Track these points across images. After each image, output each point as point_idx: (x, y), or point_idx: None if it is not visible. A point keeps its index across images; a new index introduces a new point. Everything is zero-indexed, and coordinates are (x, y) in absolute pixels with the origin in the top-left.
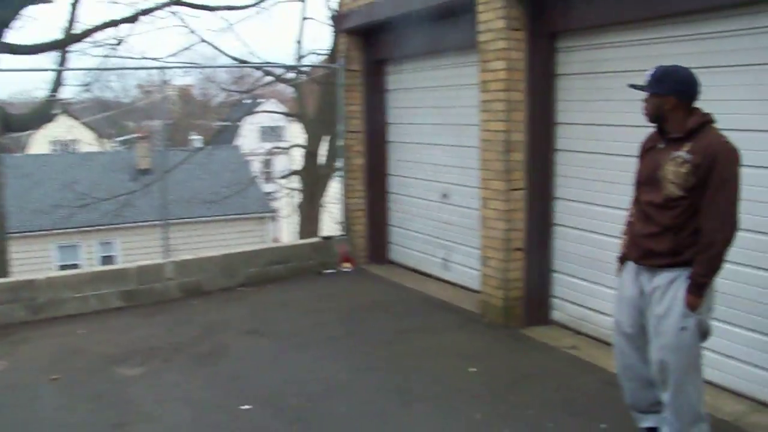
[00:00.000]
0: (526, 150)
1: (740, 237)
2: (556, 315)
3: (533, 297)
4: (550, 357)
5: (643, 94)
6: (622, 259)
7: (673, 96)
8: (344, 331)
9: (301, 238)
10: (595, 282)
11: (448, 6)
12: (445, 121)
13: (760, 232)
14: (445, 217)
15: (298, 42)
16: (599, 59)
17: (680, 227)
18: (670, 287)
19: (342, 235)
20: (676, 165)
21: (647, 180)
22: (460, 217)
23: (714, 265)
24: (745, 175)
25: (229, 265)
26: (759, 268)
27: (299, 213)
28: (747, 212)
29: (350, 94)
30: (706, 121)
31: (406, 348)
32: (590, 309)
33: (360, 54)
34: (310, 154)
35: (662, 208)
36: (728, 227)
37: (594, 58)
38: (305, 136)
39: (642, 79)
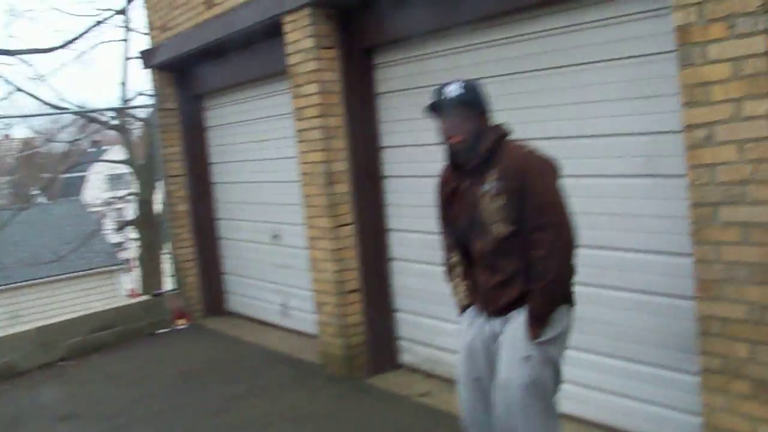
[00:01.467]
0: (350, 180)
1: (580, 254)
2: (406, 358)
3: (377, 342)
4: (399, 410)
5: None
6: (465, 307)
7: (486, 114)
8: (170, 404)
9: (145, 292)
10: (441, 318)
11: (255, 30)
12: (266, 156)
13: (600, 247)
14: (279, 260)
15: (122, 83)
16: (419, 72)
17: (526, 268)
18: (517, 318)
19: (174, 290)
20: (491, 201)
21: (469, 226)
22: (293, 258)
23: (552, 294)
24: (577, 186)
25: (47, 338)
26: (604, 287)
27: (140, 266)
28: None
29: (167, 135)
30: (502, 134)
31: (237, 417)
32: (440, 349)
33: (174, 90)
34: (144, 202)
35: (499, 253)
36: (562, 250)
37: (414, 72)
38: (137, 183)
39: (436, 98)
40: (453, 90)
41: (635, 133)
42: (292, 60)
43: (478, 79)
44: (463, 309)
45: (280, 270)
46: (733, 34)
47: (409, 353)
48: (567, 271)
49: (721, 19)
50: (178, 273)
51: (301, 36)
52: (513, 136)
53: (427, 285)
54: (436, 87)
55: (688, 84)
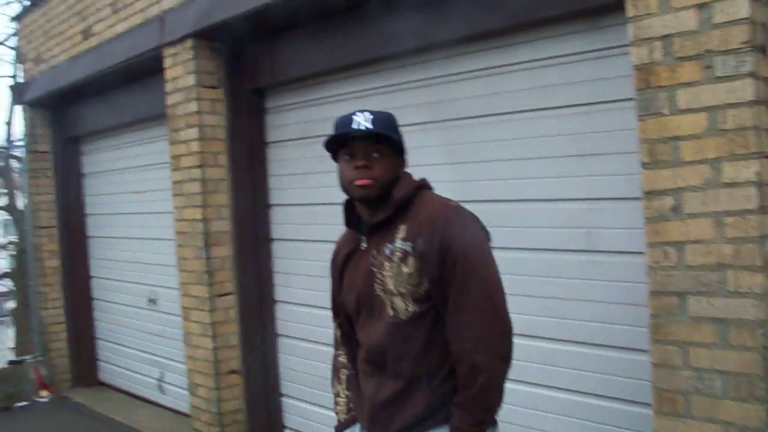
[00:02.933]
0: (232, 243)
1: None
2: None
3: None
4: None
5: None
6: (344, 426)
7: (403, 154)
8: None
9: (19, 353)
10: (330, 408)
11: (135, 64)
12: (144, 210)
13: (527, 335)
14: (156, 328)
15: (8, 123)
16: (317, 119)
17: (437, 366)
18: None
19: (37, 357)
20: (393, 268)
21: (359, 305)
22: (171, 327)
23: (489, 401)
24: (498, 261)
25: None
26: (531, 384)
27: (14, 323)
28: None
29: (38, 180)
30: (422, 184)
31: None
32: None
33: (48, 131)
34: (22, 251)
35: (398, 346)
36: (497, 340)
37: (310, 119)
38: (17, 231)
39: (342, 128)
40: (366, 119)
41: (574, 199)
42: (170, 100)
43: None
44: (342, 428)
45: (156, 339)
46: (711, 76)
47: None
48: (503, 371)
49: (695, 58)
50: (44, 337)
51: (182, 72)
52: (432, 189)
53: (318, 368)
54: (341, 117)
55: (650, 139)
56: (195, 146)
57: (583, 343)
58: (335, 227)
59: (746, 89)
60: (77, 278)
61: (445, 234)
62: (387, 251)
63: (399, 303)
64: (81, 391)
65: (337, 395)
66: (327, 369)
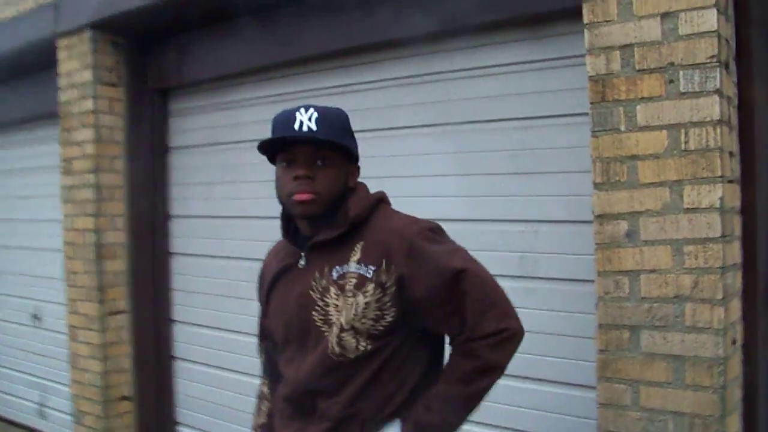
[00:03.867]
0: (128, 256)
1: None
2: None
3: None
4: None
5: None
6: None
7: (356, 161)
8: None
9: None
10: None
11: (24, 55)
12: (28, 217)
13: None
14: (38, 347)
15: None
16: (225, 125)
17: (377, 407)
18: None
19: None
20: (348, 293)
21: (291, 337)
22: (56, 346)
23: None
24: None
25: None
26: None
27: None
28: None
29: None
30: (379, 197)
31: None
32: None
33: None
34: None
35: (332, 384)
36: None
37: (217, 124)
38: None
39: (284, 127)
40: (311, 118)
41: (508, 220)
42: (63, 96)
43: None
44: None
45: (39, 359)
46: (674, 91)
47: None
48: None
49: (658, 71)
50: None
51: (77, 66)
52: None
53: (219, 395)
54: (281, 113)
55: (604, 157)
56: (89, 149)
57: (517, 377)
58: (242, 242)
59: (712, 107)
60: None
61: (424, 251)
62: (335, 275)
63: (348, 340)
64: None
65: (254, 429)
66: (229, 396)
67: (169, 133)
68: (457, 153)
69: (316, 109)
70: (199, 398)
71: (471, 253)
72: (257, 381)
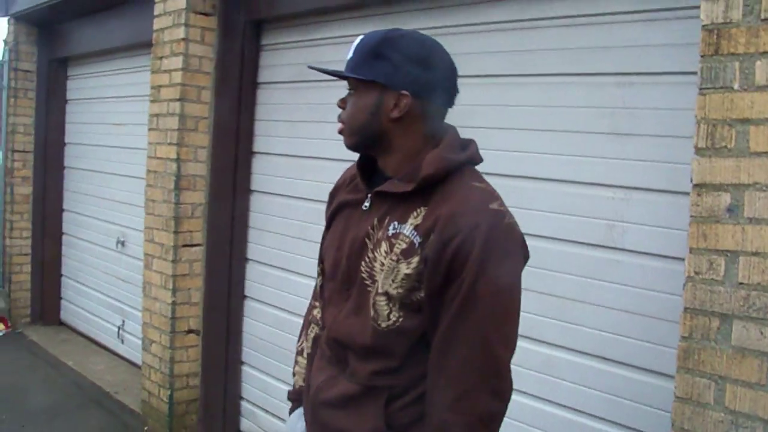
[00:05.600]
0: (207, 189)
1: None
2: (246, 425)
3: (213, 400)
4: None
5: (341, 87)
6: (296, 397)
7: (409, 92)
8: None
9: None
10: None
11: None
12: (121, 144)
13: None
14: (122, 272)
15: None
16: (314, 62)
17: (406, 385)
18: None
19: None
20: (393, 256)
21: (336, 277)
22: (136, 273)
23: None
24: None
25: None
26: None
27: None
28: None
29: (18, 101)
30: (465, 160)
31: None
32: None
33: (36, 49)
34: None
35: (366, 348)
36: (482, 404)
37: (307, 60)
38: None
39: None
40: (354, 44)
41: (598, 184)
42: (157, 24)
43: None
44: (295, 399)
45: (121, 284)
46: None
47: (251, 419)
48: None
49: None
50: (6, 268)
51: None
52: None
53: (283, 339)
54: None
55: (710, 119)
56: (177, 77)
57: (588, 354)
58: (317, 184)
59: None
60: (49, 209)
61: (462, 250)
62: (391, 230)
63: (382, 305)
64: (38, 329)
65: (299, 353)
66: (293, 341)
67: (259, 68)
68: (547, 107)
69: (366, 34)
70: (265, 340)
71: (556, 216)
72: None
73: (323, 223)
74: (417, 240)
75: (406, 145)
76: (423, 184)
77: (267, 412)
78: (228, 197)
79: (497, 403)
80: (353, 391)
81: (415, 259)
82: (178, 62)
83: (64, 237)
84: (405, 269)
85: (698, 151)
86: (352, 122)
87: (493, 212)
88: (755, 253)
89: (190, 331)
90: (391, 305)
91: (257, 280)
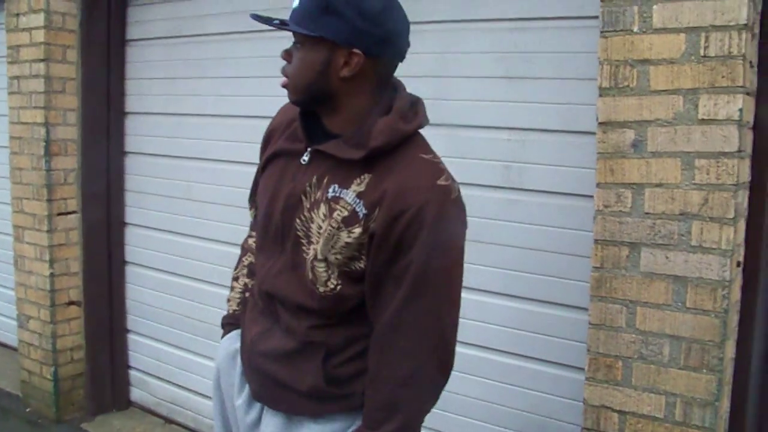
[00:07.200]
0: (79, 153)
1: None
2: (137, 395)
3: (100, 372)
4: None
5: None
6: (228, 321)
7: (361, 50)
8: None
9: None
10: (187, 349)
11: None
12: None
13: None
14: None
15: None
16: (190, 15)
17: (345, 341)
18: None
19: None
20: (333, 222)
21: (269, 230)
22: (2, 248)
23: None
24: None
25: None
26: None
27: None
28: None
29: None
30: (414, 128)
31: None
32: (182, 387)
33: None
34: None
35: (303, 307)
36: (429, 378)
37: (181, 14)
38: None
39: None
40: None
41: (495, 127)
42: None
43: None
44: (228, 323)
45: None
46: None
47: (143, 389)
48: (424, 414)
49: None
50: None
51: None
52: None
53: (170, 303)
54: None
55: (612, 60)
56: (39, 36)
57: (497, 293)
58: (200, 141)
59: (740, 10)
60: None
61: (410, 228)
62: (330, 193)
63: (320, 271)
64: None
65: (235, 279)
66: (181, 303)
67: (128, 24)
68: (443, 53)
69: None
70: (150, 305)
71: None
72: (211, 288)
73: (205, 182)
74: (361, 211)
75: (354, 103)
76: (371, 155)
77: (159, 378)
78: (102, 161)
79: (443, 378)
80: (290, 346)
81: (357, 230)
82: (39, 20)
83: None
84: (345, 237)
85: (602, 91)
86: (298, 79)
87: (442, 188)
88: (659, 185)
89: (71, 303)
90: (329, 272)
91: (138, 244)
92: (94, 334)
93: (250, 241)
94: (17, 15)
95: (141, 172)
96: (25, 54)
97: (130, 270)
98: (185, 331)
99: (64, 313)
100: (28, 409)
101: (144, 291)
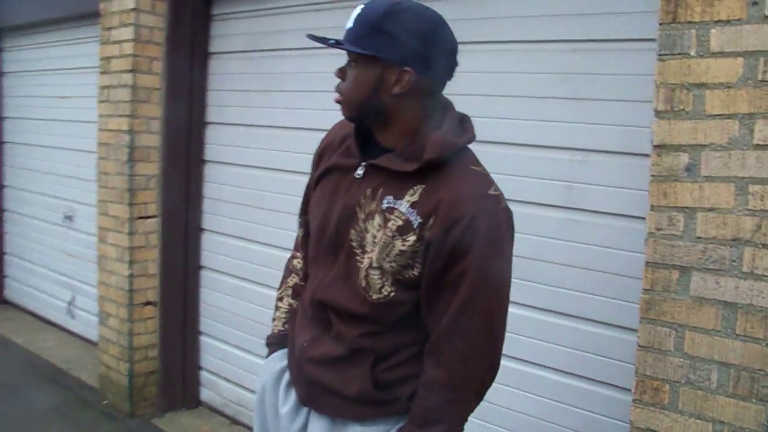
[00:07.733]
0: (161, 160)
1: None
2: (206, 395)
3: (172, 371)
4: None
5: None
6: (273, 341)
7: (411, 68)
8: None
9: None
10: (253, 352)
11: None
12: (66, 117)
13: None
14: (70, 247)
15: None
16: (267, 31)
17: (394, 347)
18: None
19: None
20: (388, 232)
21: (323, 242)
22: (86, 247)
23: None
24: None
25: None
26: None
27: None
28: None
29: None
30: (465, 143)
31: None
32: (249, 390)
33: None
34: None
35: (355, 315)
36: (478, 374)
37: (259, 30)
38: None
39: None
40: (354, 14)
41: (558, 147)
42: None
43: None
44: (273, 342)
45: (70, 259)
46: (757, 15)
47: (212, 389)
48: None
49: None
50: None
51: None
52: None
53: (241, 307)
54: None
55: (669, 84)
56: (128, 48)
57: (548, 310)
58: (272, 152)
59: None
60: None
61: (465, 236)
62: (385, 204)
63: (375, 278)
64: None
65: (279, 300)
66: (250, 309)
67: (210, 38)
68: (506, 73)
69: (366, 4)
70: (223, 309)
71: (516, 178)
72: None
73: (274, 191)
74: (415, 220)
75: (405, 119)
76: (425, 167)
77: (228, 380)
78: (182, 168)
79: (491, 380)
80: (339, 352)
81: (412, 238)
82: (128, 33)
83: (5, 214)
84: (400, 246)
85: (658, 114)
86: (352, 96)
87: (493, 198)
88: (711, 209)
89: (147, 303)
90: (384, 279)
91: (213, 250)
92: (168, 334)
93: (295, 261)
94: (109, 29)
95: (218, 180)
96: (114, 65)
97: (204, 274)
98: (254, 335)
99: (141, 312)
100: (104, 402)
101: (217, 295)
